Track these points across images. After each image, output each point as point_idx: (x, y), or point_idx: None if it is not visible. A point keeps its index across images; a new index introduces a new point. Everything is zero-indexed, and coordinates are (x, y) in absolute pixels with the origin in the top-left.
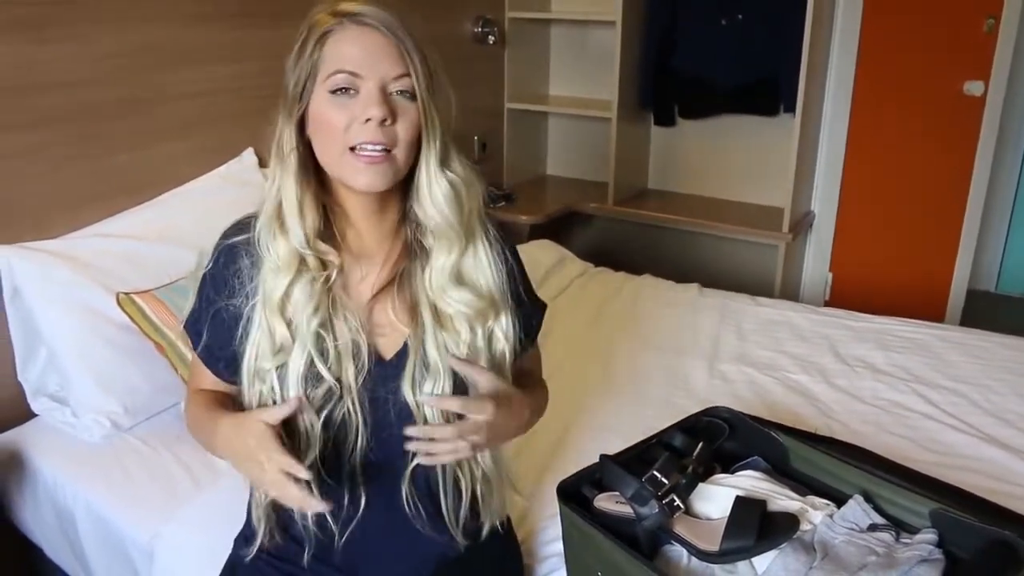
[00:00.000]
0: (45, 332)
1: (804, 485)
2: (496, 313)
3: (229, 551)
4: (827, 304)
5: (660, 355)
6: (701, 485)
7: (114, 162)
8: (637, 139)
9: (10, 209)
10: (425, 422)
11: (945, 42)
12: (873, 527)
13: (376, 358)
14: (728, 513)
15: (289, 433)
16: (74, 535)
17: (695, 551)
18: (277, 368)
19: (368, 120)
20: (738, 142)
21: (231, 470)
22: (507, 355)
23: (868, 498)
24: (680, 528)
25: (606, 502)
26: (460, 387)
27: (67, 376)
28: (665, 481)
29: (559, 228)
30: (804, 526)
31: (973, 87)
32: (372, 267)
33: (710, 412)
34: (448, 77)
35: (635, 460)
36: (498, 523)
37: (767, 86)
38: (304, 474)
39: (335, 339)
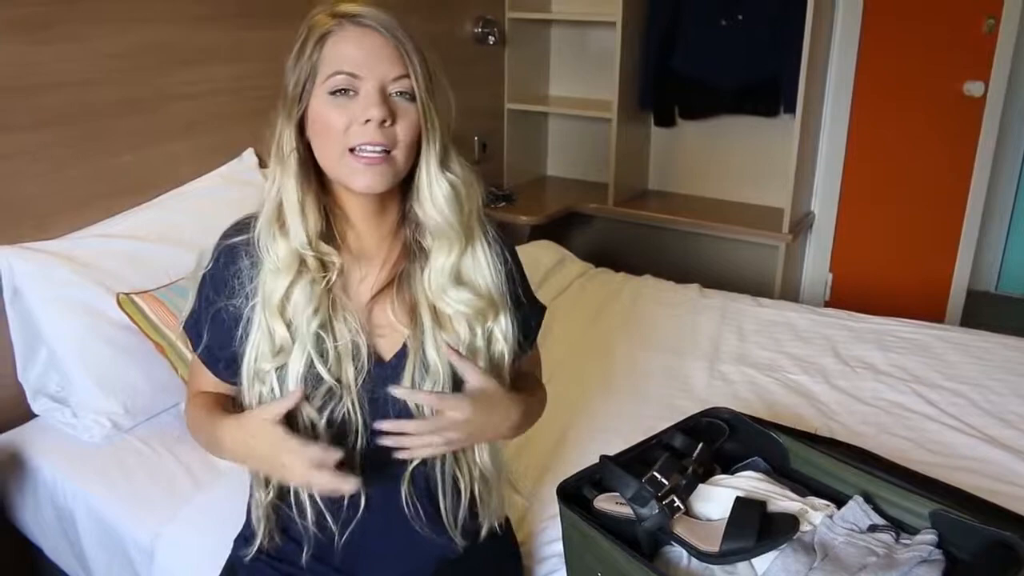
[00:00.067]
0: (45, 332)
1: (804, 486)
2: (495, 313)
3: (229, 551)
4: (827, 304)
5: (660, 355)
6: (701, 486)
7: (115, 162)
8: (637, 140)
9: (11, 209)
10: None
11: (945, 43)
12: (873, 528)
13: (376, 359)
14: (728, 514)
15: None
16: (74, 535)
17: (695, 552)
18: (277, 369)
19: (368, 121)
20: (738, 143)
21: (231, 470)
22: (505, 356)
23: (868, 499)
24: (680, 529)
25: (606, 503)
26: (460, 387)
27: (67, 376)
28: (665, 482)
29: (559, 229)
30: (804, 527)
31: (973, 88)
32: (372, 268)
33: (710, 413)
34: (448, 77)
35: (635, 461)
36: (496, 524)
37: (767, 87)
38: (336, 454)
39: (335, 340)
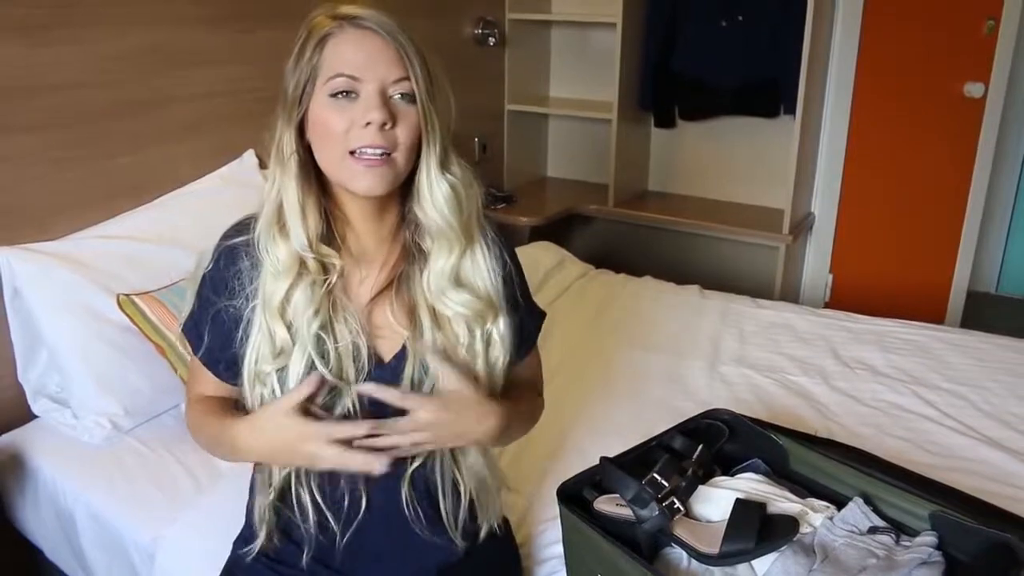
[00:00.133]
0: (46, 333)
1: (804, 487)
2: (494, 315)
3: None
4: (827, 306)
5: (660, 357)
6: (701, 487)
7: (114, 164)
8: (637, 141)
9: (11, 210)
10: None
11: (945, 44)
12: (873, 529)
13: (376, 360)
14: (728, 516)
15: None
16: (74, 537)
17: (695, 554)
18: (278, 371)
19: (368, 124)
20: (738, 144)
21: (232, 472)
22: (503, 358)
23: (868, 500)
24: (680, 531)
25: (606, 504)
26: None
27: (68, 377)
28: (665, 483)
29: (559, 230)
30: (804, 528)
31: (973, 89)
32: (371, 269)
33: (710, 414)
34: (448, 79)
35: (635, 462)
36: (495, 525)
37: (767, 88)
38: (365, 427)
39: (335, 341)
